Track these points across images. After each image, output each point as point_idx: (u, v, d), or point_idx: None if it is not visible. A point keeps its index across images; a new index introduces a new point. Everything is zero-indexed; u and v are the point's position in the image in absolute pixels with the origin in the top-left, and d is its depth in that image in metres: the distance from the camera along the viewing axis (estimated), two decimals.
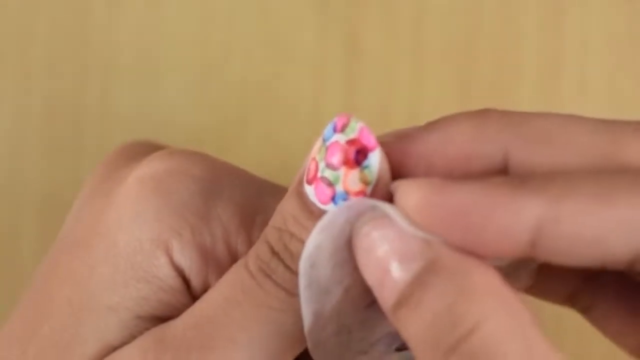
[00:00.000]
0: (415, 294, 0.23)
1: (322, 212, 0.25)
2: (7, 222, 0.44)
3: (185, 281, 0.28)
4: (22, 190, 0.44)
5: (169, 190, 0.28)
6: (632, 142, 0.25)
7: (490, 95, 0.44)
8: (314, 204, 0.25)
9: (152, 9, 0.44)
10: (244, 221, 0.28)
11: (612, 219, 0.22)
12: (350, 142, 0.25)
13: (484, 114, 0.26)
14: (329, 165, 0.25)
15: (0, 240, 0.44)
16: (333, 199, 0.25)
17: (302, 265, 0.25)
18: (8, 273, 0.44)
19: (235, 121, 0.44)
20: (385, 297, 0.23)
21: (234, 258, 0.28)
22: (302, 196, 0.26)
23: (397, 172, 0.26)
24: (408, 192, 0.24)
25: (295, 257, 0.26)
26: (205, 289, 0.28)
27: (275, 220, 0.26)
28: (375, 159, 0.25)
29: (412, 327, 0.23)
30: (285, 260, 0.26)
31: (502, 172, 0.26)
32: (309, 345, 0.26)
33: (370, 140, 0.25)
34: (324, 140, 0.25)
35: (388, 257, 0.23)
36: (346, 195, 0.25)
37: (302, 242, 0.25)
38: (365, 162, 0.25)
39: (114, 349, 0.27)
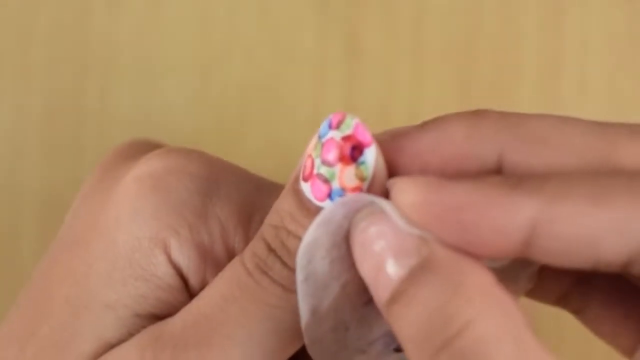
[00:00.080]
0: (408, 291, 0.23)
1: (318, 209, 0.25)
2: (7, 222, 0.44)
3: (183, 279, 0.28)
4: (22, 190, 0.44)
5: (167, 189, 0.28)
6: (627, 145, 0.25)
7: (490, 95, 0.44)
8: (310, 201, 0.25)
9: (152, 9, 0.44)
10: (241, 220, 0.28)
11: (606, 220, 0.23)
12: (346, 139, 0.25)
13: (479, 115, 0.26)
14: (325, 162, 0.25)
15: (0, 240, 0.44)
16: (329, 195, 0.25)
17: (299, 260, 0.25)
18: (8, 273, 0.44)
19: (235, 121, 0.44)
20: (380, 293, 0.24)
21: (231, 256, 0.28)
22: (298, 193, 0.26)
23: (392, 170, 0.26)
24: (404, 189, 0.24)
25: (293, 253, 0.26)
26: (203, 287, 0.28)
27: (272, 218, 0.27)
28: (371, 155, 0.25)
29: (404, 324, 0.23)
30: (283, 257, 0.26)
31: (496, 173, 0.26)
32: (306, 342, 0.26)
33: (365, 136, 0.25)
34: (320, 137, 0.25)
35: (384, 253, 0.23)
36: (342, 191, 0.25)
37: (299, 239, 0.25)
38: (361, 158, 0.25)
39: (112, 346, 0.27)
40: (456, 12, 0.45)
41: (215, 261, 0.28)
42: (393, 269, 0.23)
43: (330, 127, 0.25)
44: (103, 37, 0.44)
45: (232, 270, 0.27)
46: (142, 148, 0.32)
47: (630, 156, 0.24)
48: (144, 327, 0.27)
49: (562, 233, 0.23)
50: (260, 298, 0.26)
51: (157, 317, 0.28)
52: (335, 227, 0.25)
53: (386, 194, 0.25)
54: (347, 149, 0.25)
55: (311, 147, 0.26)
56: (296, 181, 0.26)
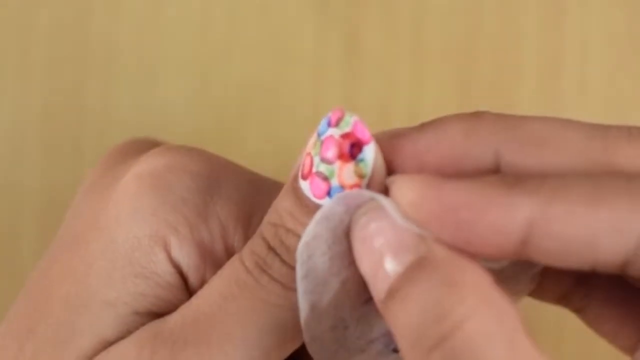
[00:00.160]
0: (404, 287, 0.23)
1: (317, 207, 0.25)
2: (7, 222, 0.44)
3: (183, 278, 0.28)
4: (22, 190, 0.44)
5: (167, 187, 0.28)
6: (625, 147, 0.25)
7: (490, 95, 0.44)
8: (309, 199, 0.25)
9: (152, 9, 0.44)
10: (241, 219, 0.28)
11: (603, 221, 0.23)
12: (345, 136, 0.25)
13: (477, 116, 0.26)
14: (324, 160, 0.25)
15: (0, 240, 0.44)
16: (328, 193, 0.25)
17: (300, 255, 0.25)
18: (8, 273, 0.44)
19: (235, 121, 0.44)
20: (378, 289, 0.24)
21: (231, 255, 0.28)
22: (297, 191, 0.26)
23: (390, 170, 0.26)
24: (404, 186, 0.24)
25: (292, 251, 0.26)
26: (202, 285, 0.28)
27: (271, 217, 0.27)
28: (370, 152, 0.25)
29: (399, 320, 0.23)
30: (282, 255, 0.26)
31: (493, 174, 0.26)
32: (306, 339, 0.26)
33: (364, 133, 0.25)
34: (319, 135, 0.25)
35: (383, 249, 0.24)
36: (341, 189, 0.25)
37: (298, 237, 0.25)
38: (360, 156, 0.25)
39: (110, 344, 0.27)
40: (456, 12, 0.45)
41: (214, 260, 0.28)
42: (391, 266, 0.23)
43: (329, 124, 0.25)
44: (103, 37, 0.44)
45: (231, 268, 0.27)
46: (143, 146, 0.32)
47: (628, 158, 0.25)
48: (143, 324, 0.27)
49: (559, 233, 0.23)
50: (259, 296, 0.26)
51: (156, 315, 0.28)
52: (336, 223, 0.25)
53: (385, 192, 0.25)
54: (346, 147, 0.25)
55: (310, 145, 0.26)
56: (295, 179, 0.26)
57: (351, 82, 0.44)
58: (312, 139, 0.26)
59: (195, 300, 0.27)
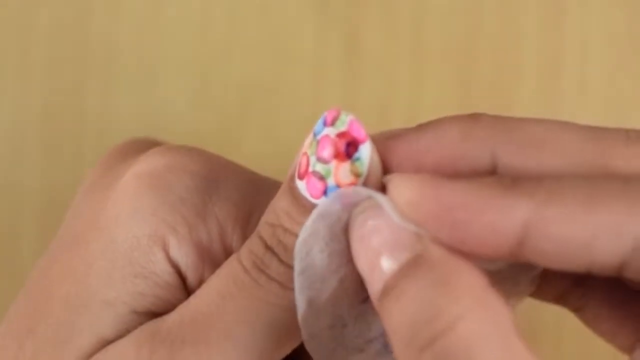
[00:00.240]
0: (399, 284, 0.23)
1: (314, 207, 0.25)
2: (7, 222, 0.44)
3: (182, 277, 0.28)
4: (22, 190, 0.44)
5: (166, 187, 0.28)
6: (622, 150, 0.25)
7: (490, 95, 0.44)
8: (305, 199, 0.25)
9: (152, 9, 0.44)
10: (240, 218, 0.28)
11: (599, 223, 0.23)
12: (341, 135, 0.25)
13: (474, 118, 0.26)
14: (320, 159, 0.25)
15: (0, 240, 0.44)
16: (325, 192, 0.25)
17: (298, 251, 0.25)
18: (8, 273, 0.44)
19: (235, 121, 0.44)
20: (374, 287, 0.24)
21: (229, 255, 0.28)
22: (294, 191, 0.26)
23: (387, 171, 0.26)
24: (401, 185, 0.24)
25: (289, 251, 0.26)
26: (200, 285, 0.28)
27: (269, 216, 0.27)
28: (366, 151, 0.25)
29: (393, 318, 0.23)
30: (280, 254, 0.26)
31: (489, 175, 0.26)
32: (304, 337, 0.26)
33: (360, 132, 0.25)
34: (315, 135, 0.25)
35: (380, 247, 0.24)
36: (338, 188, 0.25)
37: (296, 236, 0.25)
38: (356, 155, 0.25)
39: (109, 343, 0.27)
40: (456, 12, 0.45)
41: (213, 259, 0.28)
42: (387, 263, 0.23)
43: (325, 124, 0.25)
44: (103, 37, 0.44)
45: (229, 268, 0.27)
46: (143, 146, 0.32)
47: (625, 161, 0.25)
48: (141, 324, 0.27)
49: (555, 235, 0.23)
50: (257, 295, 0.26)
51: (155, 314, 0.28)
52: (334, 220, 0.25)
53: (381, 191, 0.25)
54: (342, 146, 0.25)
55: (306, 144, 0.26)
56: (292, 179, 0.26)
57: (351, 82, 0.44)
58: (309, 139, 0.26)
59: (193, 299, 0.27)
